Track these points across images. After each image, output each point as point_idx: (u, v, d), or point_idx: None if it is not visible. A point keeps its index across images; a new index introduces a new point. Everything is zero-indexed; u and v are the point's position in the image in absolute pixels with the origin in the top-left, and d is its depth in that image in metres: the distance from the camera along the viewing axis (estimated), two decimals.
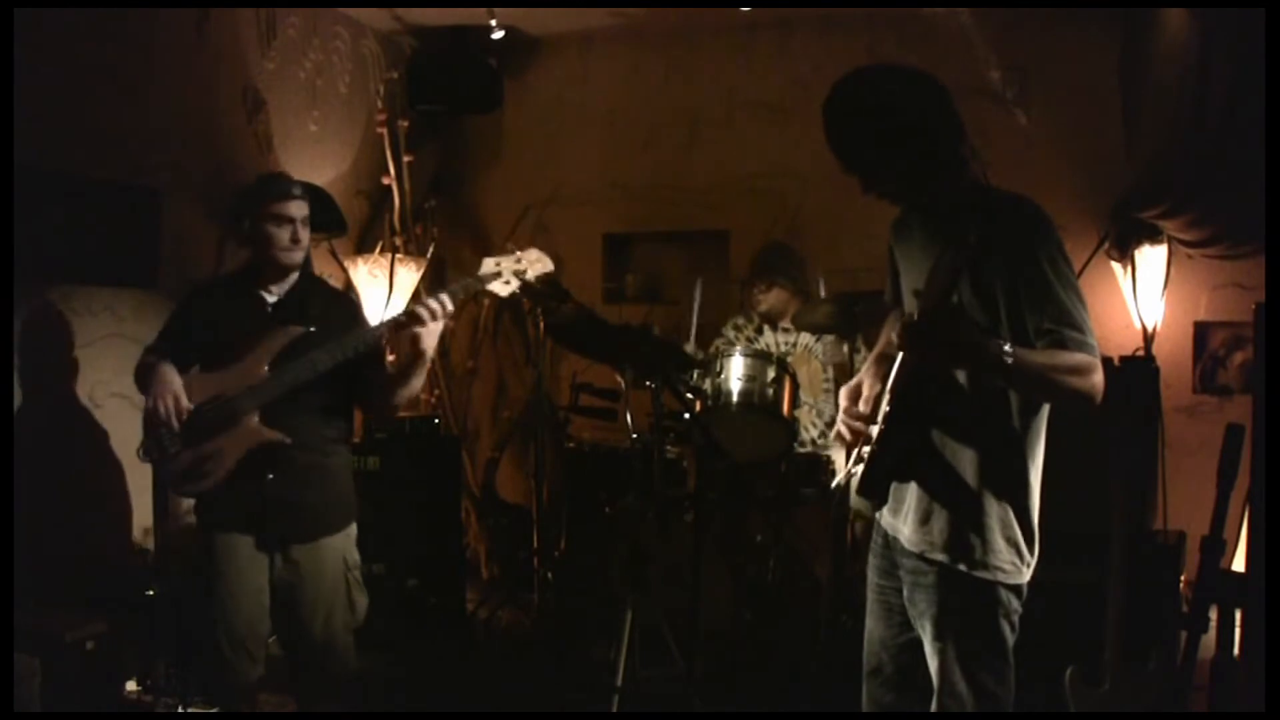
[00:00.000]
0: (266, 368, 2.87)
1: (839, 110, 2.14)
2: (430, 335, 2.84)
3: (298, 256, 3.00)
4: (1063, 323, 2.01)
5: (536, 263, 3.01)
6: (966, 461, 2.13)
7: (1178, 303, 4.62)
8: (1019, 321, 2.06)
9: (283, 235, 2.94)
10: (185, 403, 2.83)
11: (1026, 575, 2.16)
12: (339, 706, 3.07)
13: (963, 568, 2.11)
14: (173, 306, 3.28)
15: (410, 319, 2.83)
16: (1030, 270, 2.03)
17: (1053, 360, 2.00)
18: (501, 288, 2.97)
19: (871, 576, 2.36)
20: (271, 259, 2.97)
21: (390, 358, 4.09)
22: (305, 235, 3.00)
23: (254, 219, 2.95)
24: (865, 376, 2.36)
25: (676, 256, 5.76)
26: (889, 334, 2.42)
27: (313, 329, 2.92)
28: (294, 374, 2.84)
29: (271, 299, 3.01)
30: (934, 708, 2.18)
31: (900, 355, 2.09)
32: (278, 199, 2.95)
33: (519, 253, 3.00)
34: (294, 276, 3.05)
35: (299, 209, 2.97)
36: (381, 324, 2.97)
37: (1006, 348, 1.97)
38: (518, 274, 2.97)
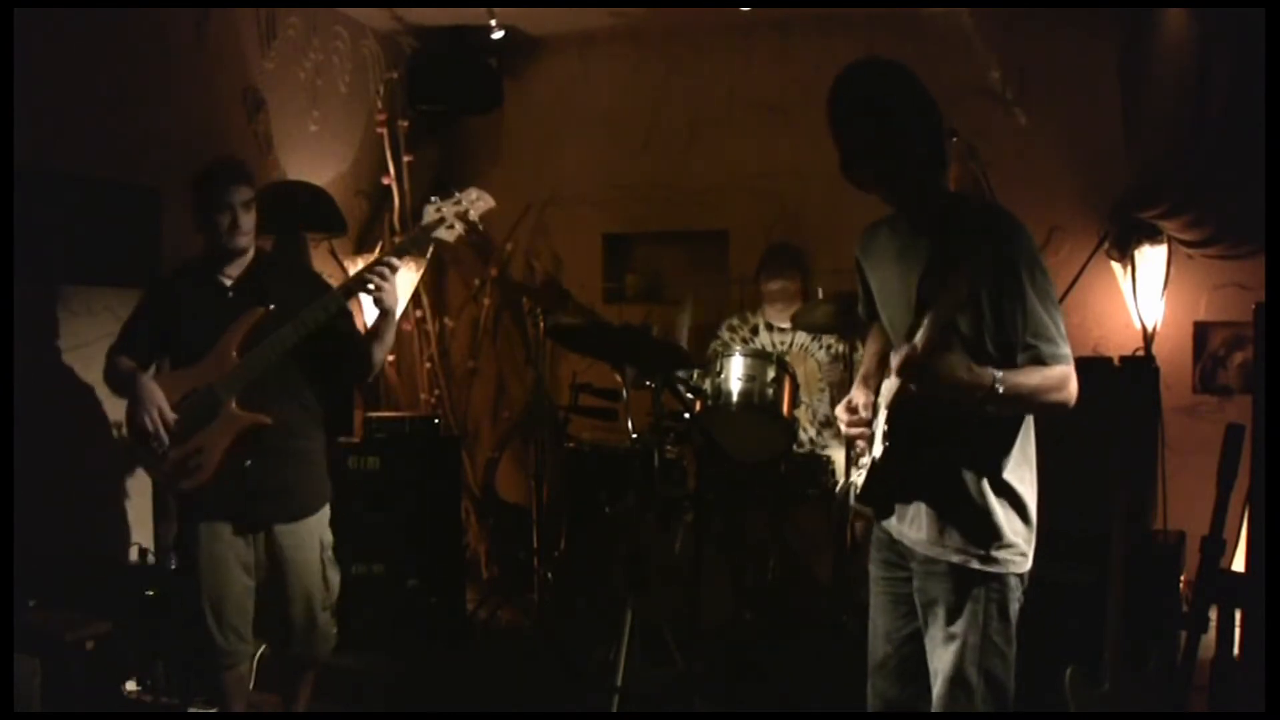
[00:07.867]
0: (235, 353, 2.93)
1: (854, 95, 2.15)
2: (389, 294, 2.95)
3: (241, 241, 3.03)
4: (1040, 337, 2.09)
5: (477, 201, 3.01)
6: (968, 468, 2.18)
7: (1178, 303, 4.62)
8: (1002, 332, 2.12)
9: (223, 221, 2.99)
10: (170, 414, 2.89)
11: (1030, 561, 2.23)
12: (322, 693, 3.13)
13: (976, 565, 2.17)
14: None
15: (359, 284, 2.96)
16: (1010, 283, 2.09)
17: (1037, 381, 2.08)
18: (447, 234, 2.99)
19: (876, 570, 2.40)
20: (217, 245, 3.02)
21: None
22: (247, 220, 3.02)
23: (198, 206, 3.01)
24: (856, 391, 2.42)
25: (676, 256, 5.76)
26: (874, 355, 2.48)
27: (272, 306, 2.97)
28: (263, 354, 2.90)
29: (229, 283, 3.06)
30: (938, 696, 2.20)
31: (896, 381, 2.13)
32: (215, 186, 2.99)
33: (458, 193, 3.00)
34: (247, 258, 3.08)
35: (238, 194, 3.00)
36: (334, 291, 3.01)
37: (998, 384, 2.03)
38: (460, 216, 2.99)
